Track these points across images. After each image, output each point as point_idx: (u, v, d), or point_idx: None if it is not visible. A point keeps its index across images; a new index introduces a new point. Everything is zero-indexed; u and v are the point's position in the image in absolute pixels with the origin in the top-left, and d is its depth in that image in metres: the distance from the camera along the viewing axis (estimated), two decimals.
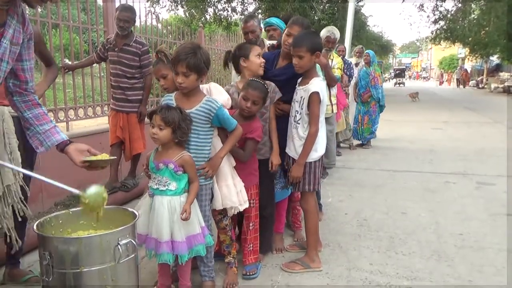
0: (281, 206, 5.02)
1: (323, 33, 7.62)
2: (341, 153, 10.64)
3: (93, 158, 3.06)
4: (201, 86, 3.84)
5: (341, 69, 7.63)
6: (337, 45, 9.59)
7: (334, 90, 7.40)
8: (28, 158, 3.91)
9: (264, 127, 4.38)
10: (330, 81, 6.11)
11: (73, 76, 7.13)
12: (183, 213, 3.46)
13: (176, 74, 3.61)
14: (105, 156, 3.13)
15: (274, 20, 5.67)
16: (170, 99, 3.79)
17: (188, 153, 3.62)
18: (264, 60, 4.48)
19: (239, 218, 4.54)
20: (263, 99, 4.18)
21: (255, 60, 4.40)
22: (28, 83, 3.04)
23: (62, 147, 3.09)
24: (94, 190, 2.95)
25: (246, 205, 4.14)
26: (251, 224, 4.39)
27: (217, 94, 4.01)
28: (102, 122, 7.88)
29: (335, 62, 7.55)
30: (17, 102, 3.07)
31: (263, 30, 5.91)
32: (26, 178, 3.90)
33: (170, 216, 3.50)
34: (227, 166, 4.00)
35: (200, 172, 3.70)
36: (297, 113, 4.35)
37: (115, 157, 3.37)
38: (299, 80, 4.46)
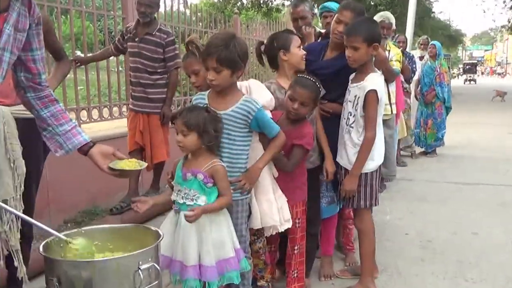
0: (329, 224, 4.97)
1: (376, 18, 7.55)
2: (406, 163, 10.61)
3: (121, 164, 3.09)
4: (239, 83, 3.81)
5: (399, 61, 7.55)
6: (396, 35, 9.50)
7: (392, 87, 7.31)
8: (34, 167, 3.89)
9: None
10: (389, 76, 6.04)
11: (86, 71, 7.19)
12: (189, 211, 3.43)
13: (207, 69, 3.58)
14: (133, 162, 3.14)
15: (331, 4, 5.62)
16: (203, 98, 3.76)
17: (220, 161, 3.57)
18: (305, 52, 4.42)
19: (282, 239, 4.49)
20: (313, 100, 4.09)
21: (297, 52, 4.33)
22: (41, 76, 3.02)
23: (85, 150, 3.10)
24: (83, 241, 2.99)
25: (288, 225, 4.08)
26: (296, 247, 4.32)
27: (258, 93, 3.96)
28: (120, 125, 7.91)
29: (393, 53, 7.48)
30: (32, 99, 3.05)
31: (315, 16, 5.86)
32: (31, 190, 3.90)
33: (198, 236, 3.47)
34: (267, 178, 3.96)
35: (235, 185, 3.66)
36: (350, 115, 4.30)
37: (147, 164, 3.36)
38: (351, 76, 4.41)
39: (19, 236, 3.61)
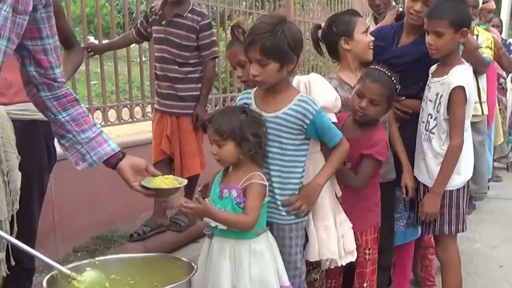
0: (405, 253, 4.95)
1: None
2: (501, 178, 10.54)
3: (157, 182, 3.07)
4: (298, 79, 3.77)
5: (491, 48, 7.46)
6: (492, 17, 9.40)
7: (483, 81, 7.24)
8: (36, 181, 3.88)
9: None
10: (478, 66, 5.98)
11: (101, 62, 7.25)
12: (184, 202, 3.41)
13: (249, 61, 3.53)
14: (171, 180, 3.13)
15: None
16: (248, 97, 3.73)
17: (260, 174, 3.49)
18: (372, 38, 4.36)
19: (347, 271, 4.41)
20: (387, 99, 4.02)
21: (362, 39, 4.26)
22: (54, 70, 2.97)
23: (112, 162, 3.09)
24: (91, 275, 2.86)
25: (352, 258, 4.01)
26: (365, 284, 4.26)
27: (319, 91, 3.88)
28: (142, 130, 7.92)
29: (482, 38, 7.39)
30: (47, 99, 3.02)
31: None
32: (32, 210, 3.89)
33: (232, 268, 3.44)
34: (328, 197, 3.89)
35: (288, 206, 3.60)
36: (431, 117, 4.27)
37: (186, 181, 3.33)
38: (432, 69, 4.38)
39: (2, 269, 3.53)
